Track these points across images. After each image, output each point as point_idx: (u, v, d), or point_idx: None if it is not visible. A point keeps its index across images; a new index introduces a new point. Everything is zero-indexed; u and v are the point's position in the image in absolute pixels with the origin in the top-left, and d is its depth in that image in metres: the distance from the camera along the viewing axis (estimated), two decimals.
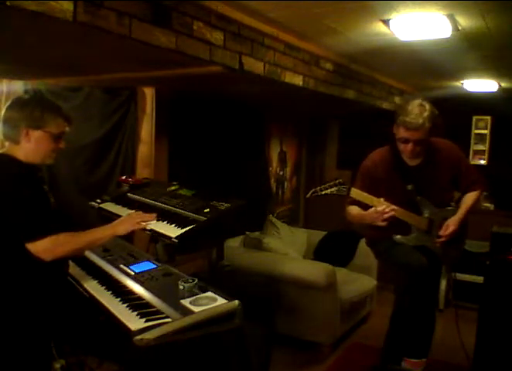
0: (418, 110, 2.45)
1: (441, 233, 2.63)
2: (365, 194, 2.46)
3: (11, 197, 1.74)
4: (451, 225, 2.62)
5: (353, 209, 2.61)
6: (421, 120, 2.43)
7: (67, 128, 1.93)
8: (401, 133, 2.52)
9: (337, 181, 2.43)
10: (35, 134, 1.84)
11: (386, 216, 2.42)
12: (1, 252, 1.76)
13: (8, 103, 1.93)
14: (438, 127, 2.53)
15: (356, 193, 2.45)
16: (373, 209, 2.46)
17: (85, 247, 1.97)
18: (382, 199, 2.45)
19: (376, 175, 2.64)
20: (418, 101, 2.51)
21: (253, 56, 2.61)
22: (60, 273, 1.98)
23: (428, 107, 2.48)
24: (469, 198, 2.73)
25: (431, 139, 2.60)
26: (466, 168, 2.74)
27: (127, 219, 2.07)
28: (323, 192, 2.44)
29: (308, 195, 2.50)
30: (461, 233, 2.74)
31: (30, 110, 1.84)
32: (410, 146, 2.52)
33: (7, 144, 1.89)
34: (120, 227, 2.01)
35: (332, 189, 2.43)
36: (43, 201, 1.85)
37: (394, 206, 2.44)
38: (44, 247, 1.74)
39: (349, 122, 5.79)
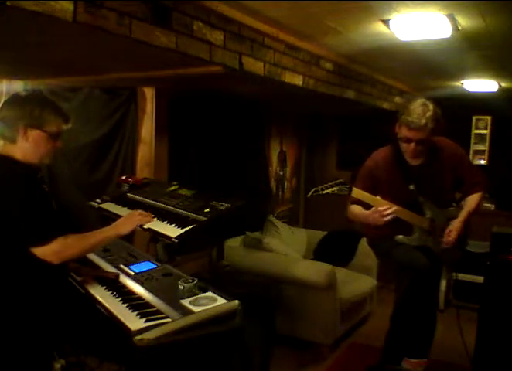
0: (420, 110, 2.44)
1: (444, 239, 2.62)
2: (366, 194, 2.45)
3: (15, 200, 1.71)
4: (454, 230, 2.60)
5: (356, 208, 2.60)
6: (423, 120, 2.42)
7: (65, 127, 1.90)
8: (404, 132, 2.51)
9: (338, 180, 2.43)
10: (34, 133, 1.79)
11: (386, 214, 2.40)
12: (4, 255, 1.75)
13: (5, 100, 1.89)
14: (441, 127, 2.53)
15: (357, 193, 2.44)
16: (373, 208, 2.46)
17: (91, 249, 1.96)
18: (379, 197, 2.45)
19: (378, 175, 2.64)
20: (421, 101, 2.50)
21: (253, 56, 2.61)
22: (62, 274, 1.97)
23: (431, 106, 2.47)
24: (472, 201, 2.70)
25: (434, 138, 2.59)
26: (469, 169, 2.72)
27: (128, 218, 2.07)
28: (324, 192, 2.43)
29: (309, 195, 2.50)
30: (463, 234, 2.74)
31: (29, 109, 1.79)
32: (412, 146, 2.51)
33: (2, 143, 1.84)
34: (122, 227, 2.00)
35: (334, 189, 2.43)
36: (46, 202, 1.83)
37: (395, 206, 2.43)
38: (52, 251, 1.71)
39: (349, 122, 5.79)
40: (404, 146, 2.57)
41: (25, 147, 1.80)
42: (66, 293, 1.99)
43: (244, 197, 2.49)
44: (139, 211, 2.16)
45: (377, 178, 2.63)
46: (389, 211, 2.40)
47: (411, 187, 2.58)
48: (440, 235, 2.64)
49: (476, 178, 2.71)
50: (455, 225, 2.62)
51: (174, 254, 2.57)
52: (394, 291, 2.77)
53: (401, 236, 2.62)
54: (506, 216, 4.58)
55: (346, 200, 2.64)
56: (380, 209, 2.40)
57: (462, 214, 2.67)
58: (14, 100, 1.90)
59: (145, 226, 2.22)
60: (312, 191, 2.45)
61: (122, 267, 2.30)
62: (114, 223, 2.03)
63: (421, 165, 2.63)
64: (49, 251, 1.71)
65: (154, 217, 2.26)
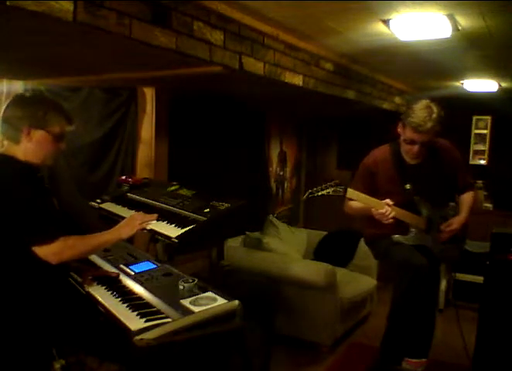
0: (426, 113, 2.44)
1: (442, 227, 2.66)
2: (362, 194, 2.46)
3: (18, 200, 1.72)
4: (454, 223, 2.67)
5: (355, 202, 2.61)
6: (429, 123, 2.43)
7: (68, 129, 1.90)
8: (408, 134, 2.51)
9: (333, 182, 2.43)
10: (37, 134, 1.80)
11: (390, 217, 2.44)
12: (5, 254, 1.75)
13: (9, 101, 1.89)
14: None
15: (352, 193, 2.44)
16: (373, 210, 2.47)
17: (91, 251, 1.95)
18: (374, 199, 2.46)
19: (376, 173, 2.65)
20: (425, 102, 2.50)
21: (253, 56, 2.61)
22: (63, 274, 1.97)
23: (435, 109, 2.48)
24: (468, 198, 2.79)
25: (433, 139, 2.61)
26: (463, 171, 2.79)
27: (129, 222, 2.03)
28: (319, 193, 2.43)
29: (304, 197, 2.52)
30: (461, 232, 2.75)
31: (34, 109, 1.80)
32: (416, 147, 2.52)
33: (6, 143, 1.85)
34: (124, 230, 1.97)
35: (329, 190, 2.43)
36: (48, 202, 1.83)
37: (393, 208, 2.46)
38: (52, 251, 1.72)
39: (350, 122, 5.79)
40: (407, 147, 2.58)
41: (28, 147, 1.81)
42: (67, 293, 1.99)
43: (243, 197, 2.49)
44: (140, 213, 2.12)
45: (374, 175, 2.65)
46: (392, 214, 2.44)
47: (408, 186, 2.59)
48: (437, 234, 2.67)
49: (469, 181, 2.83)
50: (457, 219, 2.69)
51: (174, 254, 2.57)
52: (393, 290, 2.77)
53: (397, 236, 2.63)
54: (505, 216, 4.59)
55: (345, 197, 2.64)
56: (382, 211, 2.43)
57: (462, 212, 2.73)
58: (18, 100, 1.89)
59: (147, 227, 2.20)
60: (307, 193, 2.46)
61: (122, 267, 2.29)
62: (115, 227, 2.00)
63: (418, 164, 2.66)
64: (49, 251, 1.72)
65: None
